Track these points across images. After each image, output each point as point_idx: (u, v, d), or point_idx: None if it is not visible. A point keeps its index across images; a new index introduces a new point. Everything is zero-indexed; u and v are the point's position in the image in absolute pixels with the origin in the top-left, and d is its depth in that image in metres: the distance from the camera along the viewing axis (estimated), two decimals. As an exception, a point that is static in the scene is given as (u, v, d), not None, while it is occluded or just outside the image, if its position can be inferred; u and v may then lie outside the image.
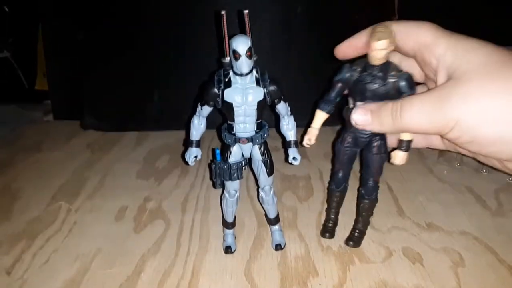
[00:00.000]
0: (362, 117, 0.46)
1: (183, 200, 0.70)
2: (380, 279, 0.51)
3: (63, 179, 0.78)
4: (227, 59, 0.48)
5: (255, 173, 0.55)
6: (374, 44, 0.43)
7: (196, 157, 0.53)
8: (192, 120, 0.53)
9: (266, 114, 0.52)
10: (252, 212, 0.66)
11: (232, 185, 0.54)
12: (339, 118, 0.52)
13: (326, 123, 0.52)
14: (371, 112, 0.46)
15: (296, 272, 0.53)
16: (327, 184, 0.60)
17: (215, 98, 0.49)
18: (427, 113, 0.40)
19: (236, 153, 0.53)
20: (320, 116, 0.50)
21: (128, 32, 0.95)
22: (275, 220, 0.58)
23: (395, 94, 0.46)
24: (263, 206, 0.58)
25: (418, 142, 0.50)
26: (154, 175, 0.79)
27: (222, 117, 0.53)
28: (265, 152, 0.53)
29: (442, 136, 0.42)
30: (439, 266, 0.53)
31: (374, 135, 0.51)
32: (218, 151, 0.53)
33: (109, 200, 0.71)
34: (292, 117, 0.53)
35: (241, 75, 0.48)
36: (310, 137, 0.51)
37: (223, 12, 0.46)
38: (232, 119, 0.50)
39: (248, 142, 0.52)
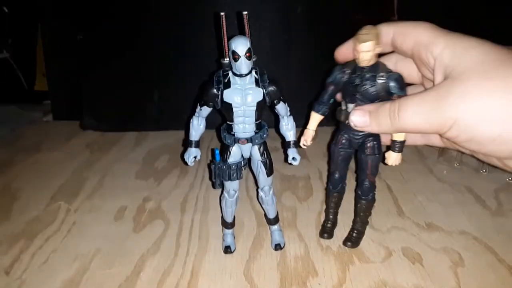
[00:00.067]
0: (361, 118, 0.46)
1: (182, 200, 0.70)
2: (380, 279, 0.51)
3: (62, 179, 0.78)
4: (226, 60, 0.48)
5: (255, 173, 0.55)
6: (359, 47, 0.45)
7: (195, 157, 0.53)
8: (191, 121, 0.53)
9: (266, 115, 0.52)
10: (252, 212, 0.66)
11: (232, 185, 0.54)
12: (333, 119, 0.52)
13: (325, 123, 0.52)
14: (369, 113, 0.46)
15: (296, 272, 0.52)
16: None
17: (215, 98, 0.49)
18: (424, 113, 0.40)
19: (235, 154, 0.53)
20: (315, 118, 0.51)
21: (127, 32, 0.95)
22: (275, 220, 0.58)
23: (385, 95, 0.46)
24: (263, 206, 0.57)
25: (417, 139, 0.50)
26: (153, 175, 0.79)
27: (222, 117, 0.53)
28: (265, 152, 0.53)
29: (441, 135, 0.42)
30: (438, 266, 0.53)
31: (367, 136, 0.51)
32: (217, 152, 0.53)
33: (108, 200, 0.71)
34: (291, 118, 0.53)
35: (240, 76, 0.48)
36: (306, 139, 0.52)
37: (222, 13, 0.46)
38: (232, 120, 0.50)
39: (248, 142, 0.52)
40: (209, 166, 0.56)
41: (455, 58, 0.39)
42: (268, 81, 0.49)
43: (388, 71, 0.46)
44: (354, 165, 0.58)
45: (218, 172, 0.53)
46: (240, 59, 0.46)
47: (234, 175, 0.53)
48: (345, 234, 0.59)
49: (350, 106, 0.48)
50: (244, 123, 0.50)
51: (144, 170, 0.82)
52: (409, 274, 0.51)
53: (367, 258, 0.55)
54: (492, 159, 0.42)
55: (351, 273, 0.52)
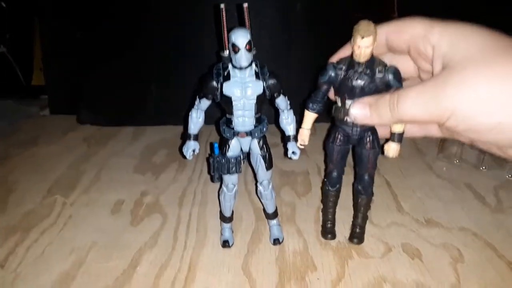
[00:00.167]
0: (361, 111, 0.46)
1: (180, 194, 0.70)
2: (379, 274, 0.50)
3: (59, 173, 0.78)
4: (226, 52, 0.47)
5: (254, 167, 0.54)
6: (362, 42, 0.44)
7: (194, 151, 0.53)
8: (190, 113, 0.52)
9: (265, 110, 0.51)
10: (250, 206, 0.66)
11: (231, 179, 0.54)
12: (329, 116, 0.52)
13: (323, 119, 0.51)
14: (369, 105, 0.45)
15: (294, 266, 0.52)
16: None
17: (214, 91, 0.48)
18: (423, 103, 0.39)
19: (234, 147, 0.52)
20: (310, 117, 0.51)
21: (125, 27, 0.94)
22: (273, 215, 0.57)
23: (384, 88, 0.46)
24: (262, 200, 0.57)
25: (415, 131, 0.49)
26: (151, 170, 0.79)
27: (221, 110, 0.53)
28: (264, 146, 0.52)
29: (441, 125, 0.41)
30: (438, 262, 0.52)
31: (365, 130, 0.51)
32: (216, 145, 0.52)
33: (105, 193, 0.70)
34: (291, 111, 0.53)
35: (240, 68, 0.47)
36: (303, 138, 0.51)
37: (222, 6, 0.45)
38: (231, 113, 0.50)
39: (247, 136, 0.51)
40: (208, 159, 0.55)
41: (453, 46, 0.38)
42: (268, 74, 0.48)
43: (385, 65, 0.46)
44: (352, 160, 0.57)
45: (217, 165, 0.52)
46: (240, 51, 0.45)
47: (233, 168, 0.52)
48: (343, 230, 0.58)
49: (349, 102, 0.48)
50: (243, 116, 0.50)
51: (142, 164, 0.81)
52: (409, 270, 0.51)
53: (366, 253, 0.54)
54: (493, 148, 0.41)
55: (350, 268, 0.52)
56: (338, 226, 0.59)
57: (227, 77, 0.48)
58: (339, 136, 0.52)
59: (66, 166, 0.80)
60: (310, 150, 0.84)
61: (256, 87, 0.48)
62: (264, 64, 0.49)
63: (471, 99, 0.36)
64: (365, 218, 0.56)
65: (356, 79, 0.46)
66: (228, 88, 0.48)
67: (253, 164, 0.54)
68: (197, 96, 0.51)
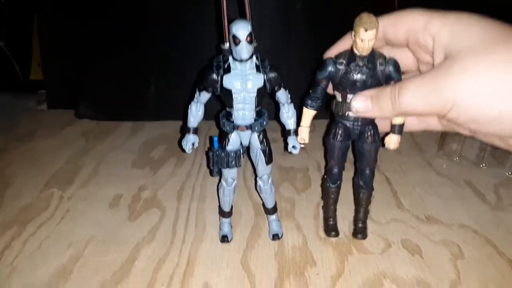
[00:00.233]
0: (363, 104, 0.46)
1: (179, 189, 0.69)
2: (379, 270, 0.50)
3: (56, 167, 0.77)
4: (227, 45, 0.47)
5: (254, 162, 0.54)
6: (365, 35, 0.43)
7: (193, 144, 0.52)
8: (189, 106, 0.52)
9: (265, 103, 0.51)
10: (249, 201, 0.65)
11: (230, 173, 0.53)
12: (328, 111, 0.52)
13: (322, 116, 0.51)
14: (370, 98, 0.45)
15: (294, 262, 0.52)
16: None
17: (214, 84, 0.48)
18: (424, 95, 0.39)
19: (234, 141, 0.52)
20: (309, 114, 0.50)
21: (124, 21, 0.93)
22: (273, 210, 0.57)
23: (385, 81, 0.46)
24: (261, 195, 0.57)
25: (415, 124, 0.49)
26: (149, 164, 0.78)
27: (221, 104, 0.52)
28: (264, 140, 0.52)
29: (442, 117, 0.41)
30: (438, 258, 0.52)
31: (365, 125, 0.50)
32: (215, 138, 0.52)
33: (103, 188, 0.70)
34: (292, 105, 0.52)
35: (240, 61, 0.46)
36: (303, 137, 0.51)
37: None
38: (231, 106, 0.49)
39: (247, 129, 0.51)
40: (207, 153, 0.54)
41: (455, 36, 0.38)
42: (269, 67, 0.48)
43: (384, 57, 0.46)
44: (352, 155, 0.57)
45: (216, 159, 0.51)
46: (241, 43, 0.45)
47: (233, 162, 0.51)
48: (343, 225, 0.58)
49: (351, 97, 0.47)
50: (243, 109, 0.49)
51: (140, 159, 0.81)
52: (409, 266, 0.51)
53: (366, 249, 0.54)
54: (494, 139, 0.41)
55: (349, 263, 0.51)
56: (338, 222, 0.58)
57: (228, 70, 0.47)
58: (340, 131, 0.51)
59: (64, 160, 0.80)
60: (310, 146, 0.83)
61: (256, 80, 0.47)
62: (265, 58, 0.48)
63: (472, 88, 0.36)
64: (366, 212, 0.56)
65: (358, 73, 0.46)
66: (228, 81, 0.47)
67: (252, 158, 0.54)
68: (197, 89, 0.50)
